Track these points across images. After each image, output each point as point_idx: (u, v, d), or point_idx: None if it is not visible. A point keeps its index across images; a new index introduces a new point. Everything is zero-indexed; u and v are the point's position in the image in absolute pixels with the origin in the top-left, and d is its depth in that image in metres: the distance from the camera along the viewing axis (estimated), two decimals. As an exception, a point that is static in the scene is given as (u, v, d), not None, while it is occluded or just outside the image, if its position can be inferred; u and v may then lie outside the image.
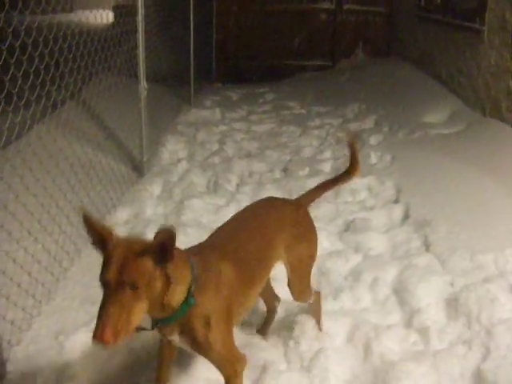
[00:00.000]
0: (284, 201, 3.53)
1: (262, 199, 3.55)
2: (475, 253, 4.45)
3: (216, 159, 7.30)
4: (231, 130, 8.78)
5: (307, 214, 3.44)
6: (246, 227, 3.09)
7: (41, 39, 4.45)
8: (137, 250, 2.21)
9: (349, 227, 5.28)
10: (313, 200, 3.53)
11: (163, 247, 2.21)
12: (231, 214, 3.42)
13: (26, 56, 4.08)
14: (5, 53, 3.71)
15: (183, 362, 3.33)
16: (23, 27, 4.10)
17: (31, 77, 4.22)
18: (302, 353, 3.55)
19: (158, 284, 2.25)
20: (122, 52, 6.49)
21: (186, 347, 2.66)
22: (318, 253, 4.66)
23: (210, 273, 2.60)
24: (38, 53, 4.34)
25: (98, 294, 3.85)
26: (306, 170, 6.73)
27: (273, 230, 3.13)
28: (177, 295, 2.40)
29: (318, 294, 3.68)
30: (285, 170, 6.94)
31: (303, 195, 3.53)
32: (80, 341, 3.51)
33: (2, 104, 3.69)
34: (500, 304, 3.79)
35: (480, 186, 5.64)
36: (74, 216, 4.81)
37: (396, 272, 4.37)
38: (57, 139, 5.41)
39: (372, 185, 6.18)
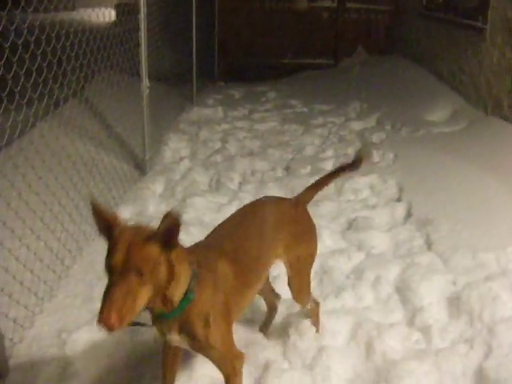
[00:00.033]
0: (282, 199, 3.51)
1: (260, 198, 3.55)
2: (477, 251, 4.45)
3: (218, 157, 7.30)
4: (233, 129, 8.77)
5: (306, 213, 3.42)
6: (244, 226, 3.08)
7: (43, 37, 4.45)
8: (142, 235, 2.22)
9: (351, 225, 5.28)
10: (311, 198, 3.50)
11: (169, 233, 2.23)
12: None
13: (28, 54, 4.09)
14: (7, 51, 3.71)
15: (186, 360, 3.33)
16: (26, 25, 4.10)
17: (34, 75, 4.22)
18: (304, 351, 3.55)
19: (163, 271, 2.26)
20: (125, 50, 6.49)
21: (186, 346, 2.66)
22: (320, 251, 4.65)
23: (208, 271, 2.60)
24: (40, 51, 4.35)
25: (100, 292, 3.86)
26: (308, 169, 6.73)
27: (271, 229, 3.12)
28: (179, 288, 2.40)
29: (317, 304, 3.68)
30: (287, 169, 6.93)
31: (301, 194, 3.51)
32: (82, 338, 3.52)
33: (5, 102, 3.70)
34: (502, 302, 3.79)
35: (482, 184, 5.64)
36: (77, 214, 4.82)
37: (398, 270, 4.37)
38: (59, 137, 5.42)
39: (374, 183, 6.18)
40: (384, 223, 5.31)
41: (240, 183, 6.52)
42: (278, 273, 4.08)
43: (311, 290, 3.52)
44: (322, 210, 5.45)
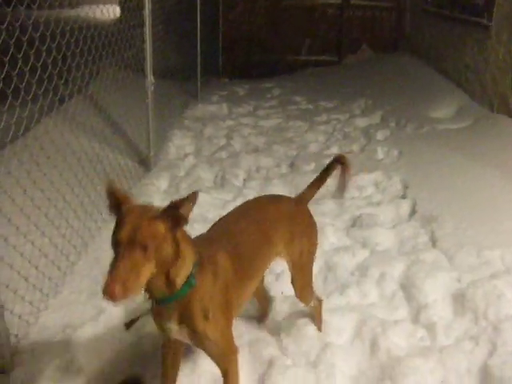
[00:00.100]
0: (282, 197, 3.53)
1: (260, 196, 3.56)
2: (482, 249, 4.45)
3: (223, 154, 7.30)
4: (238, 125, 8.77)
5: (306, 211, 3.42)
6: (245, 222, 3.09)
7: (48, 33, 4.45)
8: (150, 213, 2.29)
9: (356, 223, 5.27)
10: (311, 196, 3.50)
11: (176, 213, 2.29)
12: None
13: (33, 50, 4.09)
14: (12, 47, 3.71)
15: (188, 356, 3.34)
16: (30, 22, 4.10)
17: (38, 71, 4.23)
18: (308, 348, 3.55)
19: (168, 248, 2.30)
20: (129, 46, 6.49)
21: (185, 338, 2.67)
22: (324, 248, 4.69)
23: (209, 263, 2.62)
24: (45, 47, 4.35)
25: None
26: (313, 165, 6.72)
27: (271, 225, 3.13)
28: (183, 269, 2.43)
29: (320, 301, 3.69)
30: (291, 165, 6.93)
31: (301, 193, 3.51)
32: (87, 334, 3.52)
33: (10, 98, 3.70)
34: (507, 300, 3.79)
35: (487, 181, 5.63)
36: (81, 210, 4.83)
37: (403, 267, 4.37)
38: (64, 133, 5.42)
39: (379, 180, 6.17)
40: (389, 220, 5.30)
41: (245, 180, 6.52)
42: (282, 270, 4.08)
43: (314, 288, 3.52)
44: (326, 208, 5.45)
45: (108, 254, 2.27)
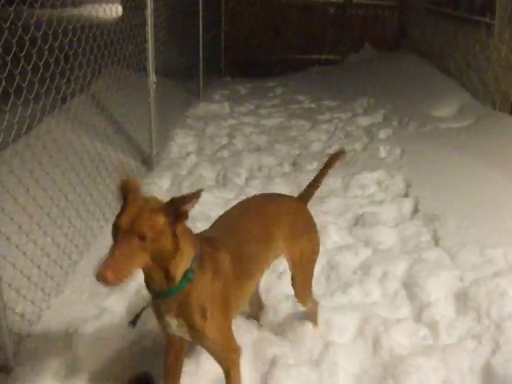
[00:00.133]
0: (283, 195, 3.53)
1: (260, 194, 3.56)
2: (485, 247, 4.45)
3: (225, 153, 7.30)
4: (240, 124, 8.77)
5: (306, 211, 3.41)
6: (246, 219, 3.10)
7: (50, 33, 4.45)
8: (153, 205, 2.34)
9: (358, 221, 5.27)
10: (311, 196, 3.50)
11: (177, 208, 2.34)
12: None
13: (35, 49, 4.09)
14: (15, 46, 3.71)
15: (191, 356, 3.34)
16: (33, 21, 4.10)
17: (41, 70, 4.23)
18: (310, 347, 3.55)
19: (165, 242, 2.34)
20: (131, 46, 6.49)
21: (184, 334, 2.67)
22: (327, 247, 4.69)
23: (209, 260, 2.63)
24: (47, 46, 4.35)
25: (106, 289, 3.86)
26: (315, 164, 6.71)
27: (272, 223, 3.13)
28: (182, 263, 2.46)
29: (316, 303, 3.69)
30: (294, 164, 6.93)
31: (301, 193, 3.51)
32: (89, 334, 3.52)
33: (12, 97, 3.70)
34: (510, 298, 3.78)
35: (489, 179, 5.63)
36: (84, 209, 4.83)
37: (405, 266, 4.36)
38: (66, 133, 5.43)
39: (381, 179, 6.17)
40: (391, 219, 5.30)
41: (247, 179, 6.52)
42: (285, 269, 4.07)
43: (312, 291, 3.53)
44: (328, 206, 5.45)
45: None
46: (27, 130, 4.17)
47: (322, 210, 5.28)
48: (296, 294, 3.44)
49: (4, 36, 3.57)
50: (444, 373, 3.30)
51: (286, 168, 6.86)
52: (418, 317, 3.87)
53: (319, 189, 3.52)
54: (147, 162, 6.63)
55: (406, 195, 5.74)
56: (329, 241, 4.82)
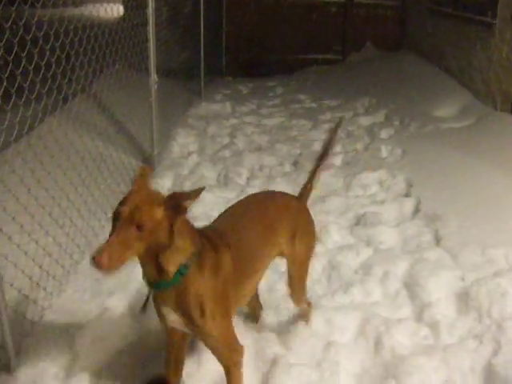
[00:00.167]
0: (285, 193, 3.53)
1: (262, 191, 3.57)
2: (486, 247, 4.44)
3: (226, 153, 7.30)
4: (241, 124, 8.77)
5: (306, 209, 3.44)
6: (248, 216, 3.11)
7: (52, 32, 4.45)
8: (154, 197, 2.40)
9: (359, 221, 5.27)
10: (308, 196, 3.52)
11: (177, 203, 2.38)
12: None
13: (37, 49, 4.09)
14: (16, 46, 3.72)
15: (193, 356, 3.34)
16: (34, 21, 4.10)
17: (42, 70, 4.23)
18: (312, 346, 3.54)
19: (161, 235, 2.37)
20: (133, 45, 6.50)
21: (181, 326, 2.69)
22: (328, 246, 4.71)
23: (209, 256, 2.64)
24: (49, 46, 4.35)
25: (108, 287, 3.87)
26: (316, 164, 6.71)
27: (274, 221, 3.14)
28: (173, 258, 2.48)
29: (309, 304, 3.71)
30: (295, 164, 6.93)
31: (300, 193, 3.52)
32: (90, 333, 3.53)
33: (14, 98, 3.71)
34: (511, 298, 3.78)
35: (491, 179, 5.63)
36: (85, 209, 4.83)
37: (407, 266, 4.36)
38: (68, 132, 5.42)
39: (383, 179, 6.17)
40: (392, 218, 5.30)
41: (248, 178, 6.52)
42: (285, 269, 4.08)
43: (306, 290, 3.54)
44: (329, 206, 5.45)
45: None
46: (29, 130, 4.17)
47: (323, 210, 5.29)
48: (291, 292, 3.45)
49: (5, 36, 3.57)
50: (445, 373, 3.30)
51: (287, 168, 6.85)
52: (419, 317, 3.87)
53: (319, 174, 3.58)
54: (149, 162, 6.62)
55: (407, 195, 5.74)
56: (330, 240, 4.82)
